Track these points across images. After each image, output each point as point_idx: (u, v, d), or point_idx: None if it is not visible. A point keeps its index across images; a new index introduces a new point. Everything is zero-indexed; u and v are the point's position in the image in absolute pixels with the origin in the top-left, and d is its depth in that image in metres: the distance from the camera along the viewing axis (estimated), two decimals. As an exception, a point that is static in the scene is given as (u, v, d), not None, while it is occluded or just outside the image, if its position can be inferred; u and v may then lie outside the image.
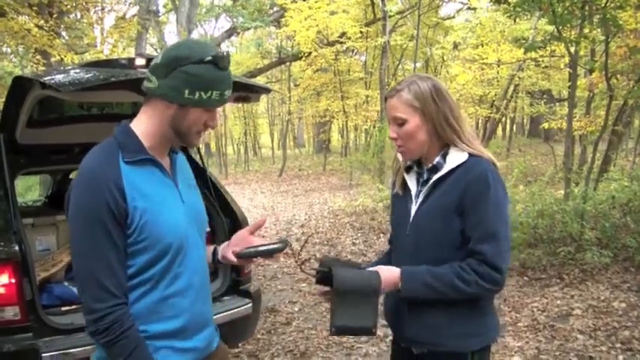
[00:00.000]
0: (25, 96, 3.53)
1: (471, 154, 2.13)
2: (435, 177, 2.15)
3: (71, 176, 6.48)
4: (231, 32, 20.89)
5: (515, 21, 11.80)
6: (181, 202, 1.95)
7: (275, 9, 19.81)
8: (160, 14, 19.65)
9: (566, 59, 11.97)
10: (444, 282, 2.06)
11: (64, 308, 3.89)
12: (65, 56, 11.00)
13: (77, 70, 3.51)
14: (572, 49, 7.81)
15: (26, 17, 11.03)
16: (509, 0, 7.73)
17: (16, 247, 3.39)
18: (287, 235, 10.48)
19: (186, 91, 1.81)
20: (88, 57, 13.78)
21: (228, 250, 2.15)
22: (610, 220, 7.06)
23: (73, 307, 3.94)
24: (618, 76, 9.48)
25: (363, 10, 20.90)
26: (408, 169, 2.28)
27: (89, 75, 3.27)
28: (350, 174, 17.82)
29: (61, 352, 3.35)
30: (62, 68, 5.05)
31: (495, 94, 16.36)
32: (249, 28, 19.62)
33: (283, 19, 18.14)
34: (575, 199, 7.42)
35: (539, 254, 6.89)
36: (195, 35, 18.91)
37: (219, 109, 2.01)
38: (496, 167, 2.16)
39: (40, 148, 4.20)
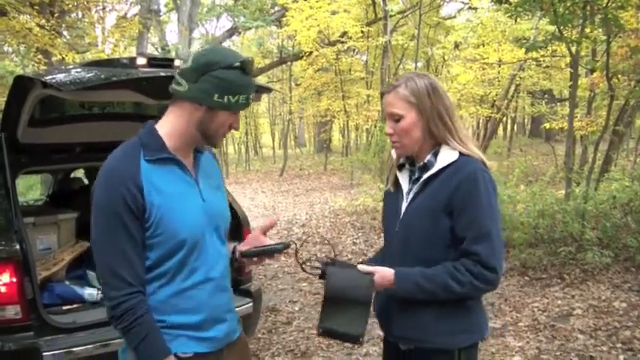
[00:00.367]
0: (26, 95, 3.53)
1: (461, 154, 2.15)
2: (426, 175, 2.17)
3: (72, 175, 6.50)
4: (232, 32, 20.88)
5: (516, 21, 11.80)
6: (201, 200, 2.03)
7: (276, 8, 19.80)
8: (161, 13, 19.68)
9: (568, 59, 11.96)
10: (436, 283, 2.08)
11: (65, 307, 3.90)
12: (66, 55, 11.00)
13: (78, 70, 3.52)
14: (574, 49, 7.79)
15: (27, 16, 11.02)
16: (511, 0, 7.72)
17: (17, 246, 3.40)
18: (288, 235, 10.49)
19: (216, 95, 1.91)
20: (90, 56, 13.78)
21: (241, 248, 2.22)
22: (611, 220, 7.06)
23: (74, 306, 3.96)
24: (619, 76, 9.47)
25: (364, 9, 20.90)
26: (401, 167, 2.31)
27: (90, 74, 3.28)
28: (351, 173, 17.80)
29: (62, 351, 3.35)
30: (63, 67, 5.04)
31: (496, 94, 16.34)
32: (250, 28, 19.59)
33: (284, 19, 18.14)
34: (576, 199, 7.42)
35: (540, 254, 6.88)
36: (196, 35, 18.92)
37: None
38: (486, 167, 2.17)
39: (41, 148, 4.20)
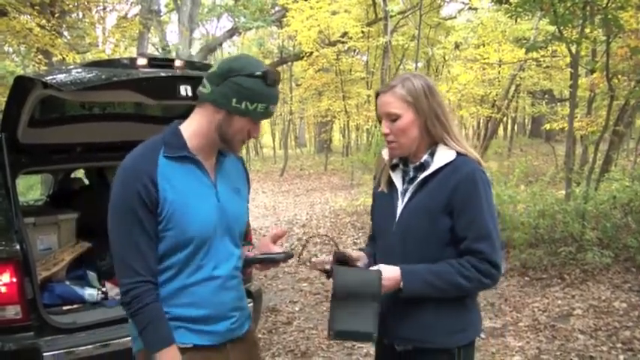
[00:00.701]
0: (26, 95, 3.53)
1: (458, 153, 2.17)
2: (423, 175, 2.18)
3: (72, 176, 6.50)
4: (232, 32, 20.88)
5: (516, 21, 11.78)
6: (216, 201, 2.08)
7: (276, 9, 19.80)
8: (161, 14, 19.70)
9: (568, 59, 11.95)
10: (445, 280, 2.09)
11: (65, 307, 3.90)
12: (67, 56, 11.00)
13: (79, 70, 3.51)
14: (574, 50, 7.79)
15: (28, 17, 11.02)
16: (511, 0, 7.71)
17: (18, 247, 3.40)
18: (288, 235, 10.48)
19: (234, 100, 1.97)
20: (90, 56, 13.79)
21: (248, 254, 2.27)
22: (611, 221, 7.06)
23: (75, 306, 3.95)
24: (619, 76, 9.45)
25: (365, 10, 20.91)
26: (394, 167, 2.31)
27: (91, 75, 3.27)
28: (351, 174, 17.80)
29: (62, 351, 3.36)
30: (64, 68, 5.03)
31: (497, 94, 16.33)
32: (250, 28, 19.59)
33: (285, 19, 18.15)
34: (576, 199, 7.42)
35: (540, 254, 6.89)
36: (196, 35, 18.92)
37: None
38: (482, 166, 2.20)
39: (41, 148, 4.20)
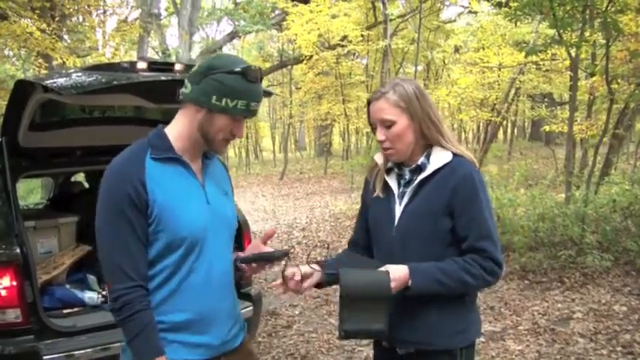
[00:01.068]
0: (27, 99, 3.54)
1: (454, 154, 2.19)
2: (420, 177, 2.18)
3: (73, 179, 6.50)
4: (232, 35, 20.89)
5: (516, 25, 11.78)
6: (206, 203, 2.05)
7: (276, 12, 19.80)
8: (161, 17, 19.69)
9: (567, 63, 11.95)
10: (451, 277, 2.10)
11: (65, 311, 3.90)
12: (67, 59, 11.01)
13: (79, 74, 3.52)
14: (573, 53, 7.80)
15: (28, 20, 11.03)
16: (511, 4, 7.73)
17: (18, 250, 3.41)
18: (288, 239, 10.49)
19: (214, 97, 1.94)
20: (90, 60, 13.82)
21: (241, 255, 2.24)
22: (611, 224, 7.07)
23: (75, 309, 3.95)
24: (619, 79, 9.48)
25: (365, 13, 20.88)
26: (389, 171, 2.31)
27: (91, 78, 3.28)
28: (351, 177, 17.80)
29: (62, 354, 3.36)
30: (64, 71, 5.04)
31: (496, 98, 16.31)
32: (250, 32, 19.62)
33: (285, 23, 18.14)
34: (576, 202, 7.42)
35: (540, 258, 6.89)
36: (196, 39, 18.94)
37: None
38: (476, 166, 2.22)
39: (42, 151, 4.21)
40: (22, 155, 4.05)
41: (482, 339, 5.12)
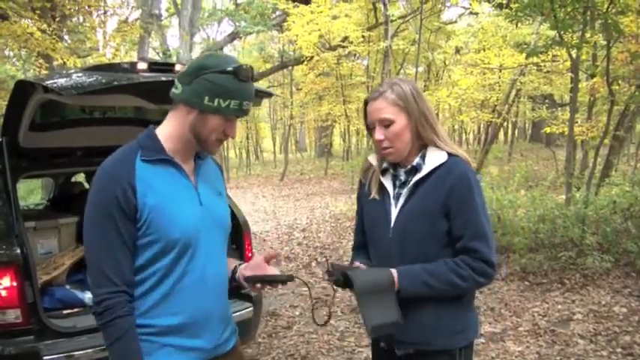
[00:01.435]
0: (27, 100, 3.54)
1: (449, 154, 2.19)
2: (416, 178, 2.19)
3: (73, 180, 6.51)
4: (233, 36, 20.89)
5: (517, 26, 11.79)
6: (199, 204, 2.03)
7: (277, 13, 19.81)
8: (162, 18, 19.69)
9: (568, 64, 11.95)
10: (440, 279, 2.11)
11: (65, 311, 3.90)
12: (68, 60, 11.02)
13: (79, 74, 3.52)
14: (574, 54, 7.80)
15: (29, 21, 11.04)
16: (511, 5, 7.73)
17: (18, 250, 3.41)
18: (288, 239, 10.49)
19: (206, 98, 1.91)
20: (91, 60, 13.82)
21: (244, 272, 2.21)
22: (611, 225, 7.06)
23: (75, 310, 3.95)
24: (620, 81, 9.48)
25: (365, 14, 20.89)
26: (384, 172, 2.30)
27: (91, 79, 3.28)
28: (351, 178, 17.81)
29: (62, 355, 3.35)
30: (64, 72, 5.04)
31: (497, 99, 16.31)
32: (251, 33, 19.61)
33: (285, 24, 18.15)
34: (576, 203, 7.42)
35: (540, 259, 6.89)
36: (197, 39, 18.94)
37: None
38: (471, 166, 2.22)
39: (42, 152, 4.21)
40: (23, 155, 4.05)
41: (482, 340, 5.12)
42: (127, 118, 4.49)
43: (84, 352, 3.40)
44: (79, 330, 3.55)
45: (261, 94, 3.94)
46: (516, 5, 7.42)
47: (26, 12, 11.03)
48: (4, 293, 3.30)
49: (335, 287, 2.26)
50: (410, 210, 2.18)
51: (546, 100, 19.11)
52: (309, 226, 11.83)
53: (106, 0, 14.40)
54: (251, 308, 4.18)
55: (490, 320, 5.64)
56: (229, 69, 1.91)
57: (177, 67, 3.56)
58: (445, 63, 22.52)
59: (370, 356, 4.90)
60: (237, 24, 20.23)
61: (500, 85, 16.14)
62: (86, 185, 6.33)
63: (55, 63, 11.48)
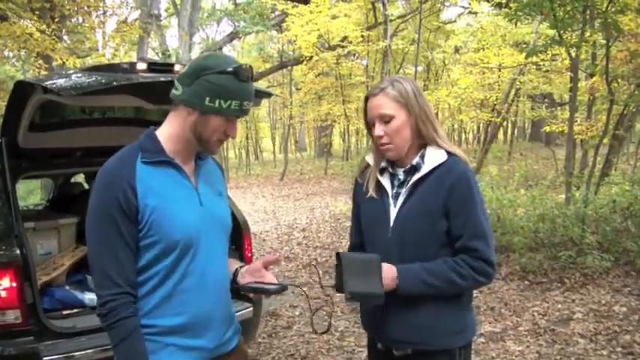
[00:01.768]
0: (26, 100, 3.54)
1: (448, 153, 2.19)
2: (416, 177, 2.18)
3: (72, 180, 6.51)
4: (232, 36, 20.90)
5: (516, 25, 11.80)
6: (199, 205, 2.03)
7: (276, 13, 19.82)
8: (161, 18, 19.70)
9: (567, 63, 11.96)
10: (440, 278, 2.11)
11: (65, 312, 3.90)
12: (67, 60, 11.02)
13: (79, 75, 3.52)
14: (573, 53, 7.80)
15: (28, 21, 11.04)
16: (511, 4, 7.73)
17: (18, 251, 3.40)
18: (288, 239, 10.49)
19: (207, 99, 1.92)
20: (90, 61, 13.82)
21: (241, 277, 2.20)
22: (611, 224, 7.06)
23: (75, 310, 3.95)
24: (619, 80, 9.47)
25: (365, 14, 20.89)
26: (382, 171, 2.30)
27: (91, 79, 3.28)
28: (351, 178, 17.72)
29: (62, 355, 3.36)
30: (64, 72, 5.05)
31: (497, 98, 16.33)
32: (250, 33, 19.63)
33: (285, 24, 18.17)
34: (576, 203, 7.42)
35: (540, 258, 6.88)
36: (196, 39, 18.94)
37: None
38: (469, 165, 2.23)
39: (41, 152, 4.21)
40: (22, 156, 4.05)
41: (482, 339, 5.12)
42: (127, 118, 4.48)
43: (84, 352, 3.40)
44: (79, 330, 3.55)
45: (261, 94, 3.93)
46: (515, 4, 7.41)
47: (25, 12, 11.04)
48: (3, 294, 3.29)
49: (334, 293, 2.28)
50: (409, 209, 2.18)
51: (546, 100, 19.08)
52: (308, 226, 11.82)
53: (105, 0, 14.39)
54: (251, 308, 4.18)
55: (490, 320, 5.64)
56: (229, 69, 1.91)
57: (177, 68, 3.56)
58: (444, 62, 22.54)
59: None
60: (237, 24, 20.26)
61: (499, 85, 16.16)
62: (86, 186, 6.34)
63: (54, 63, 11.50)
